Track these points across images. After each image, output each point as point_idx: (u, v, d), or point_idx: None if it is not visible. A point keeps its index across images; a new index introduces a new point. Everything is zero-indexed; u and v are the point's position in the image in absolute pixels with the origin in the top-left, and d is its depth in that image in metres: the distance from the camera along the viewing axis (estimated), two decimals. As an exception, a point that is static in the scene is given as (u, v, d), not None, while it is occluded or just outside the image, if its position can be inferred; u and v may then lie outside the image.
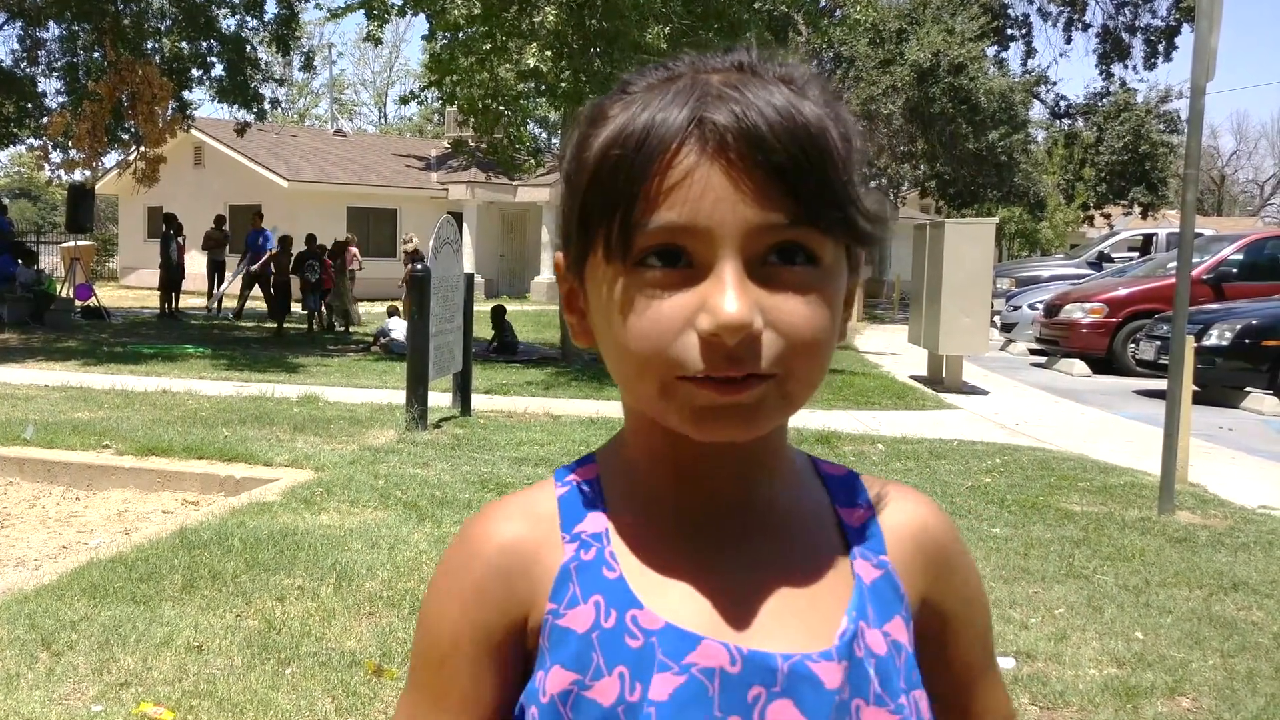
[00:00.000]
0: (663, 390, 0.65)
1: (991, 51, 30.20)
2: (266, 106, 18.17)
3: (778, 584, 0.71)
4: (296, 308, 17.36)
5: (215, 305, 19.97)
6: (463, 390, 8.61)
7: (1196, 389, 7.73)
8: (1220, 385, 10.86)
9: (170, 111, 16.82)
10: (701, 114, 0.64)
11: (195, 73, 17.46)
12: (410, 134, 46.15)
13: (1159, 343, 11.13)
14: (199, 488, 6.17)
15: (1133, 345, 12.94)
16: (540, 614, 0.71)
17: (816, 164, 0.64)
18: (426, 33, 14.37)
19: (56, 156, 18.18)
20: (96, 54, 16.75)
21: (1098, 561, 4.78)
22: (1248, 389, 10.83)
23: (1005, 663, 3.56)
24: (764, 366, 0.64)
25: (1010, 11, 31.97)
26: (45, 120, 17.63)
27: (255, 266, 17.98)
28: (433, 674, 0.73)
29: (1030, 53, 32.61)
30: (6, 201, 24.20)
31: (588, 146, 0.68)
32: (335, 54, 69.21)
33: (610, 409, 8.55)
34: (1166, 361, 6.40)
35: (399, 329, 12.75)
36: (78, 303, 17.45)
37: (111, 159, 22.07)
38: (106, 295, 20.65)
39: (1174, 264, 9.99)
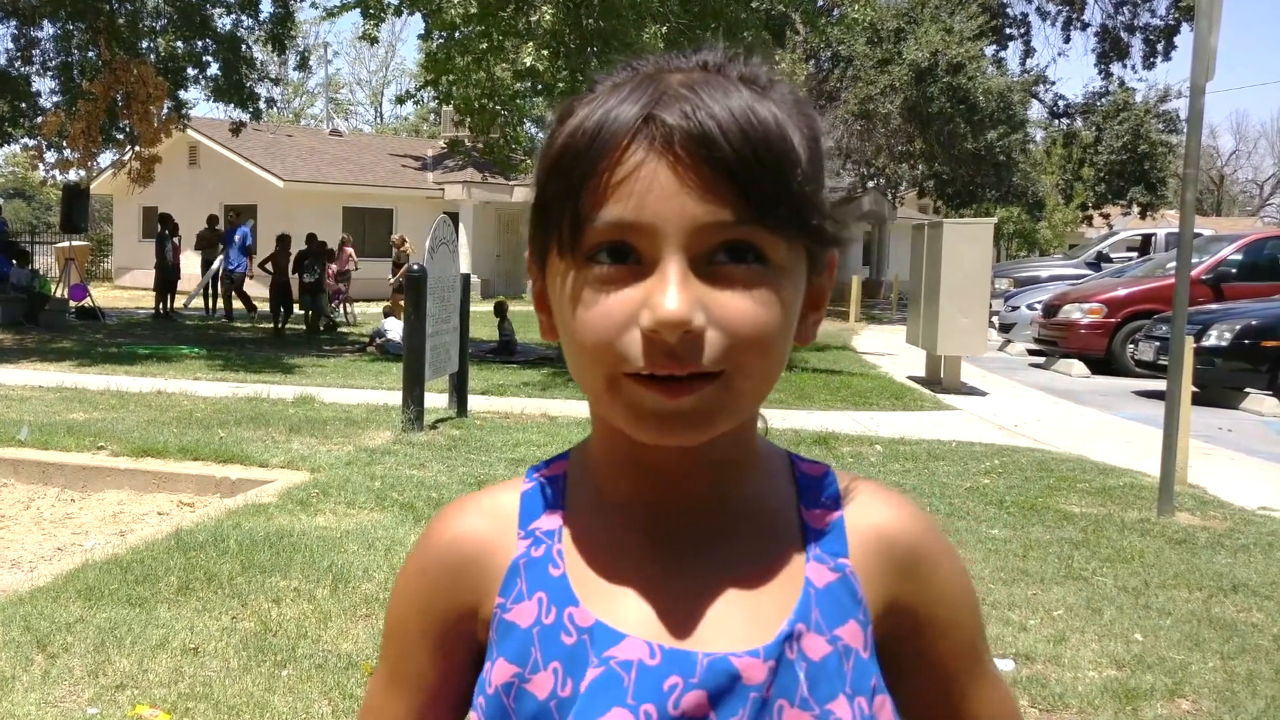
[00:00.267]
0: (609, 385, 0.66)
1: (990, 51, 30.20)
2: (262, 106, 18.10)
3: (725, 585, 0.72)
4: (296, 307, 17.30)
5: (197, 302, 19.93)
6: (459, 391, 8.59)
7: (1196, 390, 7.72)
8: (1220, 386, 10.85)
9: (165, 111, 16.75)
10: (651, 111, 0.65)
11: (190, 72, 17.38)
12: (406, 134, 45.98)
13: (1158, 343, 11.12)
14: (194, 489, 6.15)
15: (1132, 346, 12.93)
16: (490, 607, 0.73)
17: (770, 164, 0.64)
18: (423, 32, 14.35)
19: (51, 156, 18.12)
20: (91, 53, 16.68)
21: (1097, 563, 4.77)
22: (1247, 390, 10.81)
23: (1004, 665, 3.54)
24: (706, 364, 0.64)
25: (1009, 11, 31.99)
26: (40, 120, 17.55)
27: (242, 269, 17.99)
28: (389, 652, 0.79)
29: (1029, 52, 32.67)
30: (1, 201, 24.17)
31: (552, 143, 0.69)
32: (331, 53, 69.41)
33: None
34: (1165, 362, 6.39)
35: (395, 329, 12.72)
36: (72, 303, 17.37)
37: (106, 159, 22.09)
38: (101, 295, 20.62)
39: (1173, 264, 10.01)
